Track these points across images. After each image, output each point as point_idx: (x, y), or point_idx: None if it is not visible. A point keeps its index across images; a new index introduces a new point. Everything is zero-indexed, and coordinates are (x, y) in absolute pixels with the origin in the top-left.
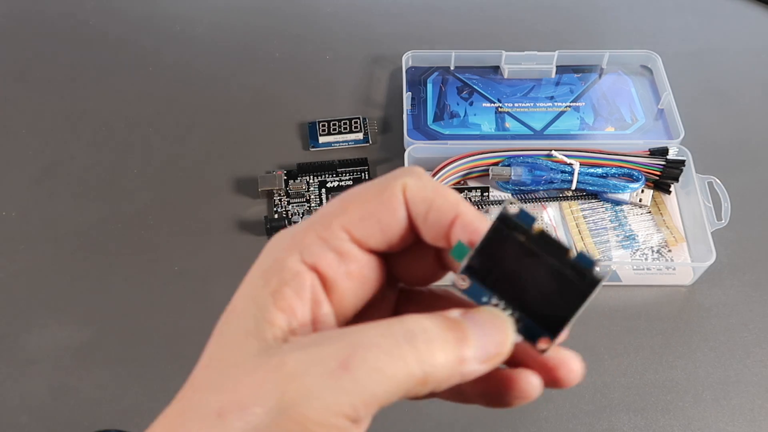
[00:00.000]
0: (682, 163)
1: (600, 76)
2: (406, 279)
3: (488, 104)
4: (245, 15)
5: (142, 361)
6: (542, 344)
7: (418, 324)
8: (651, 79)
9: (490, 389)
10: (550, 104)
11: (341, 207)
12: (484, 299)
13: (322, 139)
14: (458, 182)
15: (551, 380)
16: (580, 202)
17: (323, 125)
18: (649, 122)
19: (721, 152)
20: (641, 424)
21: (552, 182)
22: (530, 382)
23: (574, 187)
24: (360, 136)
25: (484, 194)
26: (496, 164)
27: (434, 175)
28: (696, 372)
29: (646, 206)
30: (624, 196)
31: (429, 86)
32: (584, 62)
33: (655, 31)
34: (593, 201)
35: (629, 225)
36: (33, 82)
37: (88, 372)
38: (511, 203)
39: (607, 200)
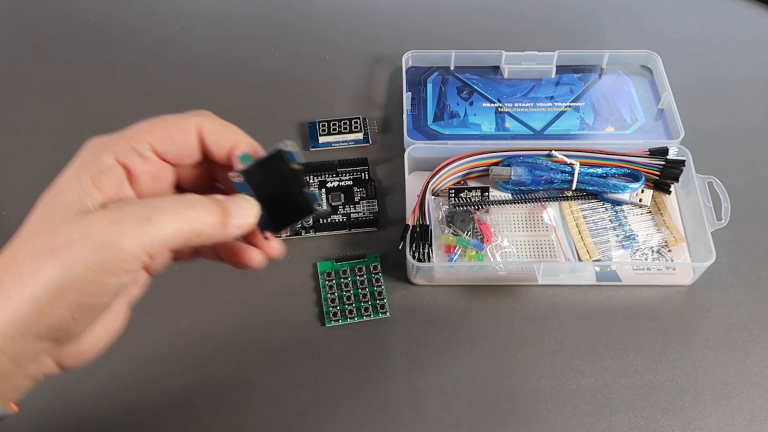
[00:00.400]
0: (682, 163)
1: (600, 76)
2: (188, 184)
3: (488, 104)
4: (245, 15)
5: (142, 361)
6: (267, 234)
7: (197, 199)
8: (651, 79)
9: (232, 252)
10: (550, 104)
11: (149, 128)
12: (244, 193)
13: (322, 139)
14: (458, 182)
15: (266, 255)
16: (580, 202)
17: (323, 125)
18: (649, 122)
19: (721, 152)
20: (641, 424)
21: (552, 182)
22: (252, 253)
23: (574, 187)
24: (360, 136)
25: (484, 194)
26: (496, 164)
27: (434, 175)
28: (696, 372)
29: (646, 206)
30: (624, 196)
31: (429, 86)
32: (584, 62)
33: (655, 31)
34: (593, 201)
35: (629, 225)
36: (33, 81)
37: (88, 372)
38: (290, 143)
39: (607, 200)
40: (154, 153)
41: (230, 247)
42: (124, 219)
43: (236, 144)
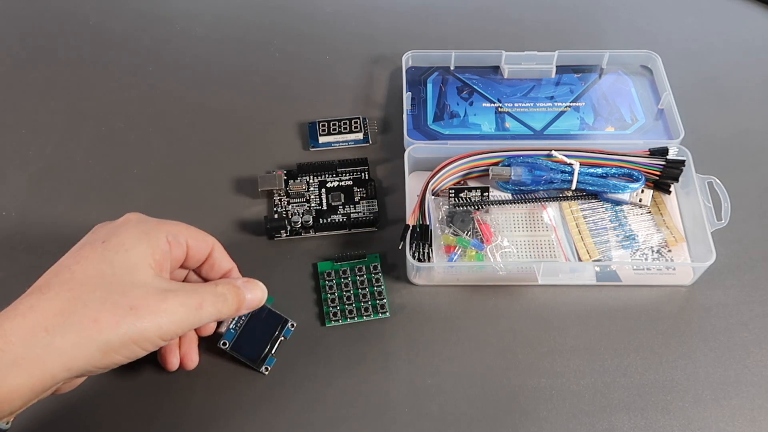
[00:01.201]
0: (682, 163)
1: (600, 76)
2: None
3: (488, 104)
4: (245, 15)
5: (142, 361)
6: (223, 342)
7: (222, 290)
8: (651, 79)
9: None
10: (550, 104)
11: (185, 227)
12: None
13: (322, 139)
14: (458, 182)
15: (182, 363)
16: (580, 202)
17: (323, 125)
18: (649, 122)
19: (721, 152)
20: (641, 424)
21: (552, 182)
22: (173, 358)
23: (574, 187)
24: (360, 136)
25: (484, 194)
26: (496, 164)
27: (434, 175)
28: (696, 372)
29: (646, 206)
30: (624, 196)
31: (429, 86)
32: (584, 62)
33: (655, 31)
34: (593, 201)
35: (629, 225)
36: (33, 81)
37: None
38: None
39: (607, 200)
40: (186, 246)
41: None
42: (186, 303)
43: (213, 253)
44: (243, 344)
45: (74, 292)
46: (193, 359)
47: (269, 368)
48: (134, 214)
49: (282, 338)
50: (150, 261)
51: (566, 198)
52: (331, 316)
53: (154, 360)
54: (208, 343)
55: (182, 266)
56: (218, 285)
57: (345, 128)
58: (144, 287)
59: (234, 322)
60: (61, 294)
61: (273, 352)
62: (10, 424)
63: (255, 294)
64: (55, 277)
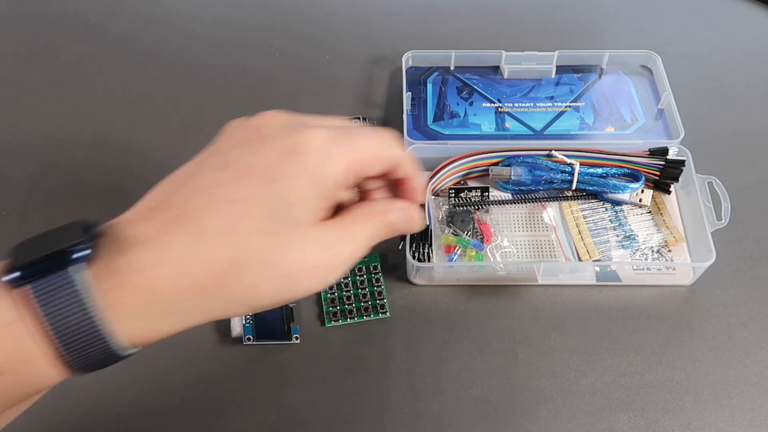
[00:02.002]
0: (682, 163)
1: (600, 76)
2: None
3: (488, 104)
4: (245, 15)
5: (142, 361)
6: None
7: (377, 225)
8: (651, 79)
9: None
10: (550, 104)
11: (366, 147)
12: None
13: None
14: (458, 182)
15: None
16: (580, 202)
17: None
18: (649, 122)
19: (721, 152)
20: (641, 424)
21: (552, 182)
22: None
23: (574, 187)
24: None
25: (484, 194)
26: (496, 164)
27: (434, 175)
28: (696, 372)
29: (646, 206)
30: (624, 196)
31: (429, 86)
32: (584, 62)
33: (655, 31)
34: (593, 201)
35: (629, 225)
36: (33, 81)
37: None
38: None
39: (607, 200)
40: (362, 172)
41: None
42: (346, 256)
43: (413, 176)
44: (264, 329)
45: (235, 251)
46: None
47: (298, 336)
48: (313, 130)
49: (292, 305)
50: (317, 214)
51: (566, 198)
52: (331, 316)
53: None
54: (234, 343)
55: None
56: (375, 221)
57: None
58: (305, 249)
59: (244, 318)
60: (221, 251)
61: (293, 320)
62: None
63: (411, 223)
64: (211, 218)
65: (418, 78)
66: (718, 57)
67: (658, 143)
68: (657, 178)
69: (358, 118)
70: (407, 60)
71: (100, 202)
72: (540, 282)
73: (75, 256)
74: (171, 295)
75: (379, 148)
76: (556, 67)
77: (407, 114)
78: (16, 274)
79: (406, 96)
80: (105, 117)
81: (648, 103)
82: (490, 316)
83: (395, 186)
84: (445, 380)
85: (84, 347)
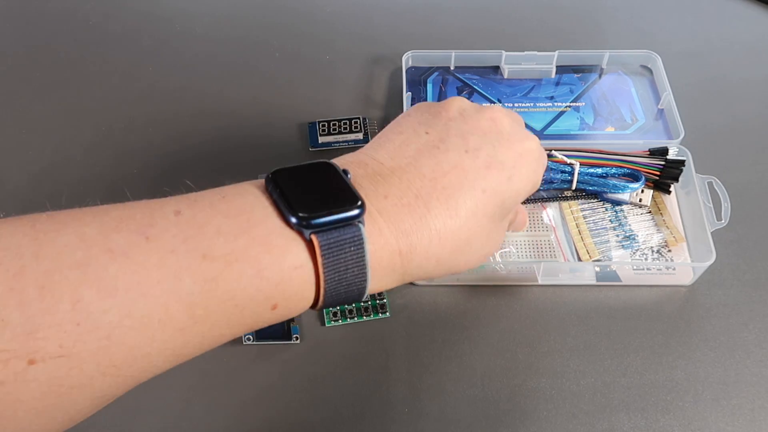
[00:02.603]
0: (682, 163)
1: (600, 76)
2: None
3: (488, 104)
4: (245, 14)
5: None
6: None
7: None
8: (651, 79)
9: None
10: (550, 104)
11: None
12: None
13: (322, 139)
14: None
15: None
16: (580, 202)
17: (323, 125)
18: (649, 122)
19: (721, 152)
20: (641, 424)
21: (552, 182)
22: None
23: (574, 187)
24: (360, 136)
25: None
26: None
27: None
28: (696, 372)
29: (646, 206)
30: (624, 196)
31: (429, 86)
32: (584, 62)
33: (655, 31)
34: (593, 201)
35: (629, 225)
36: (33, 81)
37: None
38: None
39: (607, 200)
40: None
41: None
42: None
43: None
44: (264, 329)
45: (474, 233)
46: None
47: (298, 336)
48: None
49: None
50: (503, 216)
51: (566, 198)
52: (331, 316)
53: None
54: (234, 343)
55: None
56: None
57: (345, 128)
58: (497, 239)
59: None
60: (465, 231)
61: (293, 320)
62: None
63: (523, 222)
64: (469, 200)
65: (418, 78)
66: (718, 57)
67: (658, 143)
68: (657, 178)
69: (359, 119)
70: (407, 60)
71: (100, 202)
72: (540, 282)
73: (356, 220)
74: (416, 262)
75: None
76: (556, 67)
77: None
78: (310, 221)
79: (406, 96)
80: (105, 117)
81: (648, 103)
82: (490, 316)
83: None
84: (445, 380)
85: (343, 296)
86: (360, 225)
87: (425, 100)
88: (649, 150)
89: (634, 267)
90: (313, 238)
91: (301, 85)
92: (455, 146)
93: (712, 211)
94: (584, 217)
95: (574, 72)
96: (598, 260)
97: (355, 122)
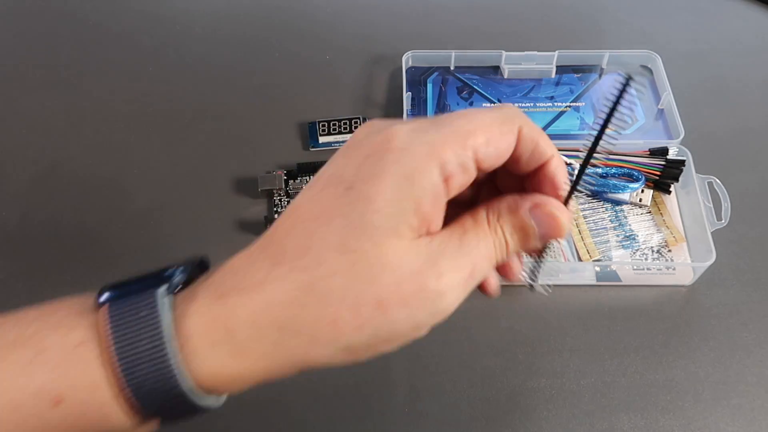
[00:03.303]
0: (682, 163)
1: (600, 76)
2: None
3: (488, 104)
4: (245, 15)
5: None
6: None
7: (499, 237)
8: (651, 79)
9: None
10: (550, 104)
11: (471, 129)
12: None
13: (322, 139)
14: None
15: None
16: (580, 202)
17: (323, 125)
18: (649, 122)
19: (721, 152)
20: (641, 424)
21: None
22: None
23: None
24: None
25: None
26: None
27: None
28: (696, 372)
29: (646, 206)
30: (624, 196)
31: (429, 86)
32: (584, 62)
33: (655, 31)
34: (593, 201)
35: (629, 225)
36: (33, 81)
37: None
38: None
39: (607, 200)
40: (475, 162)
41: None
42: (456, 283)
43: (550, 159)
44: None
45: (309, 274)
46: (491, 285)
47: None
48: (400, 126)
49: None
50: (410, 222)
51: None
52: None
53: None
54: None
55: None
56: (498, 228)
57: (345, 128)
58: (396, 269)
59: None
60: (294, 275)
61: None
62: (224, 399)
63: (552, 225)
64: (290, 239)
65: (418, 78)
66: (718, 57)
67: (658, 143)
68: (657, 178)
69: (359, 119)
70: (407, 60)
71: (100, 202)
72: (540, 282)
73: (161, 283)
74: (246, 328)
75: (490, 129)
76: (556, 67)
77: (407, 114)
78: (105, 294)
79: (406, 96)
80: (105, 117)
81: (648, 103)
82: (490, 316)
83: (531, 180)
84: (445, 380)
85: (147, 377)
86: (159, 286)
87: (425, 99)
88: (649, 150)
89: (634, 267)
90: (103, 308)
91: (301, 85)
92: (303, 191)
93: (712, 211)
94: (584, 217)
95: (574, 72)
96: (598, 260)
97: (355, 122)
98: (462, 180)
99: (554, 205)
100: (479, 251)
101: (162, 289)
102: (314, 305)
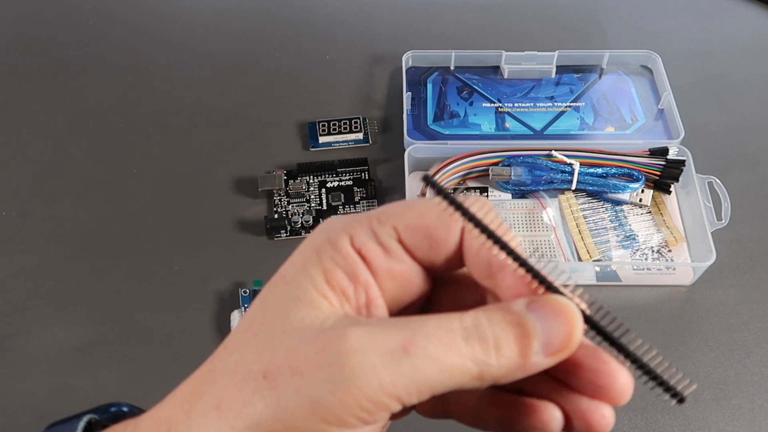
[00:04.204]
0: (682, 163)
1: (600, 76)
2: (446, 302)
3: (488, 104)
4: (245, 15)
5: (142, 361)
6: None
7: (476, 321)
8: (651, 79)
9: (509, 416)
10: (550, 104)
11: (400, 209)
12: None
13: (322, 139)
14: (458, 182)
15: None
16: (580, 202)
17: (323, 125)
18: (649, 122)
19: (721, 152)
20: (641, 424)
21: (552, 182)
22: (552, 413)
23: (574, 187)
24: (360, 136)
25: (484, 194)
26: (496, 164)
27: (434, 175)
28: (696, 372)
29: (646, 206)
30: (624, 196)
31: (429, 86)
32: (584, 62)
33: (655, 31)
34: (593, 201)
35: (629, 225)
36: (33, 81)
37: (88, 372)
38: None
39: (607, 200)
40: (400, 244)
41: (504, 403)
42: (372, 346)
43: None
44: None
45: (213, 363)
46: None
47: None
48: (330, 219)
49: None
50: (321, 289)
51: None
52: None
53: None
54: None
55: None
56: (476, 316)
57: (345, 128)
58: (294, 333)
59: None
60: (203, 366)
61: None
62: None
63: (558, 325)
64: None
65: (418, 78)
66: (718, 57)
67: (658, 143)
68: (657, 178)
69: (359, 119)
70: (407, 60)
71: (100, 202)
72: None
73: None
74: None
75: (425, 212)
76: (556, 67)
77: (407, 114)
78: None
79: (406, 96)
80: (105, 117)
81: (648, 103)
82: None
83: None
84: None
85: None
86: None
87: (425, 99)
88: (649, 150)
89: (634, 267)
90: None
91: (301, 85)
92: None
93: (712, 211)
94: (584, 217)
95: (574, 72)
96: (598, 260)
97: (355, 122)
98: (387, 261)
99: (557, 298)
100: (427, 329)
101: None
102: (206, 392)
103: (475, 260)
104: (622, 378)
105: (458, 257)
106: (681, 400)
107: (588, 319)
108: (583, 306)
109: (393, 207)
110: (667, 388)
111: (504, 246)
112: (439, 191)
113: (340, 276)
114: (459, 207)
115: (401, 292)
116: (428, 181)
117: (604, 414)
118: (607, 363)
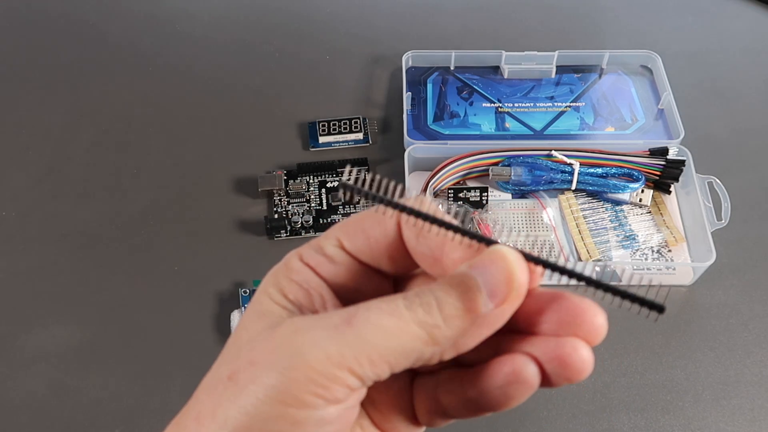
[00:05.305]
0: (682, 163)
1: (600, 76)
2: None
3: (488, 104)
4: (245, 15)
5: (142, 361)
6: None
7: (419, 291)
8: (651, 79)
9: (491, 385)
10: (550, 104)
11: (343, 221)
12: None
13: (322, 139)
14: (458, 182)
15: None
16: (580, 202)
17: (323, 125)
18: (649, 122)
19: (721, 152)
20: (641, 424)
21: (552, 182)
22: (521, 359)
23: (574, 187)
24: (360, 136)
25: (484, 194)
26: (496, 164)
27: (434, 175)
28: (696, 372)
29: (646, 206)
30: (624, 196)
31: (429, 86)
32: (584, 62)
33: (655, 31)
34: (593, 201)
35: (629, 225)
36: (33, 82)
37: (88, 372)
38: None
39: (607, 200)
40: (342, 249)
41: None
42: (315, 324)
43: (448, 248)
44: None
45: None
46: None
47: None
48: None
49: None
50: (279, 302)
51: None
52: None
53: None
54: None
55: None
56: (411, 290)
57: (345, 128)
58: (257, 338)
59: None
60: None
61: None
62: None
63: (496, 270)
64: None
65: (418, 78)
66: (718, 57)
67: (658, 143)
68: (657, 178)
69: (359, 119)
70: (407, 60)
71: (100, 202)
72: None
73: None
74: None
75: (361, 217)
76: (556, 67)
77: (407, 114)
78: None
79: (406, 96)
80: (105, 117)
81: (648, 103)
82: None
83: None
84: None
85: None
86: None
87: (425, 99)
88: (649, 150)
89: (634, 267)
90: None
91: (301, 85)
92: None
93: (712, 211)
94: (584, 217)
95: (574, 72)
96: (598, 260)
97: (355, 122)
98: (333, 267)
99: (492, 247)
100: (370, 304)
101: None
102: (192, 405)
103: (419, 251)
104: (585, 305)
105: (406, 254)
106: (661, 310)
107: (532, 258)
108: (525, 250)
109: (340, 222)
110: (642, 302)
111: (430, 218)
112: (355, 191)
113: (294, 288)
114: (381, 200)
115: (358, 294)
116: (344, 186)
117: (575, 346)
118: (568, 298)
